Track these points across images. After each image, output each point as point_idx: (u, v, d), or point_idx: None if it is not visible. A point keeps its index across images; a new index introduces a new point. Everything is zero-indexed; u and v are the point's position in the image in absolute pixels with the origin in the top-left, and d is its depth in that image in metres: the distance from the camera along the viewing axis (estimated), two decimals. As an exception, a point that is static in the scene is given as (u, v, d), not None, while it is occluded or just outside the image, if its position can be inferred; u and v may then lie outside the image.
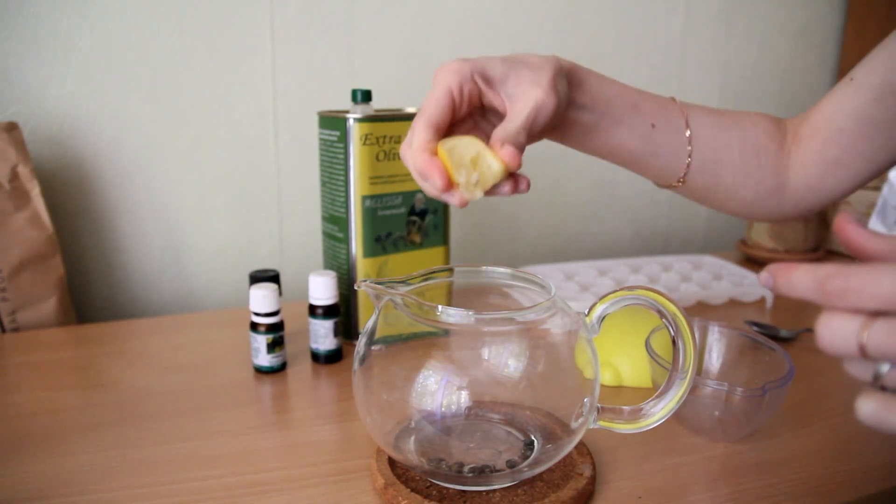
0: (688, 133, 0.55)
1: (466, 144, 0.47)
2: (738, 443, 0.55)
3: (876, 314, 0.31)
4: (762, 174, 0.58)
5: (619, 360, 0.65)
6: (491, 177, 0.47)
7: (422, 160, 0.46)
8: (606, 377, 0.65)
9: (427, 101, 0.48)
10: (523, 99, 0.48)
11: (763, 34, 1.21)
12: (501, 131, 0.47)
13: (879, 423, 0.33)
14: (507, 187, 0.47)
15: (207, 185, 0.92)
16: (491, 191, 0.47)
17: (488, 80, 0.48)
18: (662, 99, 0.56)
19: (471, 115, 0.51)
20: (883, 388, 0.32)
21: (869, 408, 0.33)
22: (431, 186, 0.46)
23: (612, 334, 0.65)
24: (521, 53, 0.50)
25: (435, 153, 0.46)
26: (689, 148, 0.56)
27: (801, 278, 0.34)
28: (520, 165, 0.46)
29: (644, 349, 0.57)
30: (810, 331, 0.78)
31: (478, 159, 0.47)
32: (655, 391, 0.48)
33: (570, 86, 0.51)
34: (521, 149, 0.46)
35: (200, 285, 0.94)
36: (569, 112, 0.52)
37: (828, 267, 0.32)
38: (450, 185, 0.46)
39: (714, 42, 1.17)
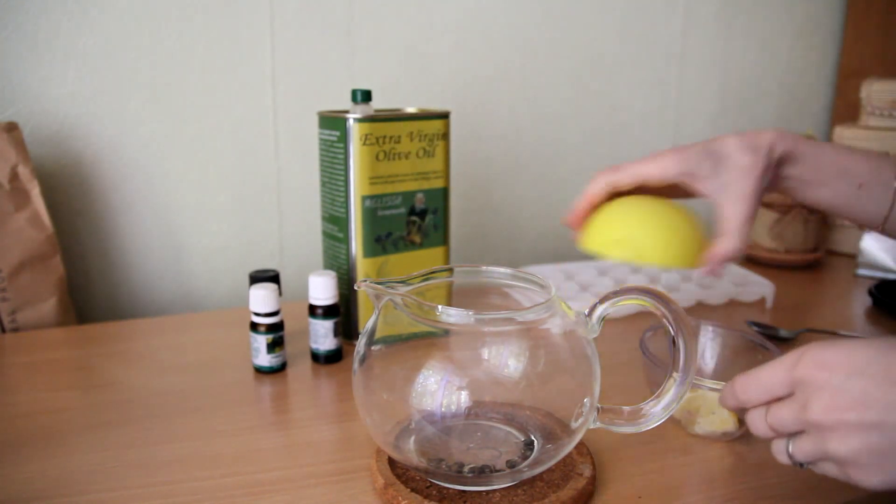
0: (895, 185, 0.56)
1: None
2: (738, 443, 0.55)
3: (775, 401, 0.41)
4: None
5: (638, 231, 0.53)
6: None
7: (582, 201, 0.55)
8: (618, 252, 0.53)
9: (624, 165, 0.55)
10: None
11: (763, 34, 1.21)
12: None
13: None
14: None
15: (207, 185, 0.92)
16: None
17: (692, 177, 0.54)
18: (876, 157, 0.57)
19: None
20: (801, 466, 0.41)
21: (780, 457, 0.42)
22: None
23: (626, 208, 0.55)
24: (729, 144, 0.53)
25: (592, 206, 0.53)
26: (893, 197, 0.56)
27: (725, 393, 0.44)
28: None
29: (671, 225, 0.54)
30: (810, 331, 0.78)
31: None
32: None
33: (779, 163, 0.54)
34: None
35: (200, 285, 0.94)
36: (772, 180, 0.56)
37: (739, 377, 0.43)
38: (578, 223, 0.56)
39: (714, 42, 1.17)
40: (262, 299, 0.65)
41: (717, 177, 0.53)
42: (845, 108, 1.26)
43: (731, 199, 0.53)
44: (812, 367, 0.38)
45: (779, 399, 0.40)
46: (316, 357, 0.69)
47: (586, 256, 1.16)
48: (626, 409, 0.48)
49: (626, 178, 0.54)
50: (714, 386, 0.52)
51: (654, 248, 0.51)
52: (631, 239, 0.52)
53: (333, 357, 0.69)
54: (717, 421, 0.54)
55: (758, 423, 0.42)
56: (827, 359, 0.38)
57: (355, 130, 0.67)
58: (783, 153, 0.54)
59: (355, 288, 0.65)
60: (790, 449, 0.40)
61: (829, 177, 0.56)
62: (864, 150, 0.58)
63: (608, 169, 0.55)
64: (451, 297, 0.54)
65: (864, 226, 0.61)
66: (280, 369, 0.67)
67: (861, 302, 0.91)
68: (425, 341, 0.46)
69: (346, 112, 0.68)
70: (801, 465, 0.41)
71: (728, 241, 0.52)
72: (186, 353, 0.72)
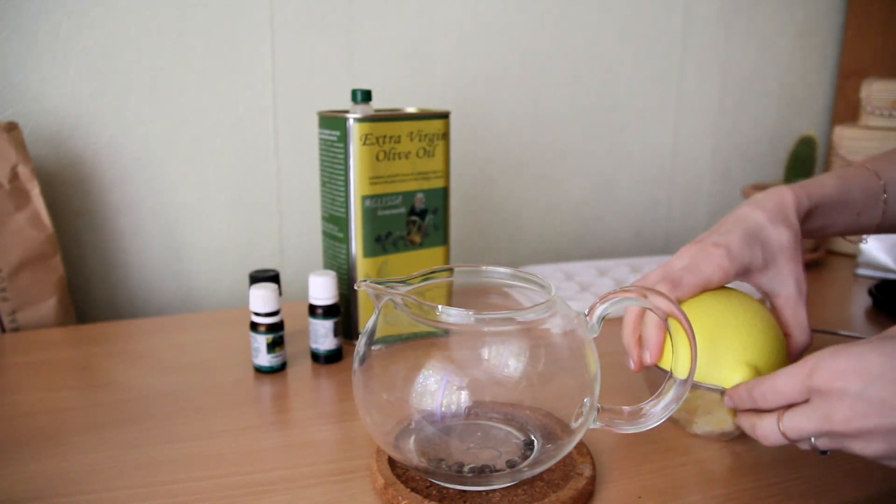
0: (884, 196, 0.58)
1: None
2: (738, 443, 0.55)
3: (789, 406, 0.41)
4: None
5: (757, 356, 0.51)
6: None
7: (655, 336, 0.50)
8: (738, 378, 0.50)
9: (683, 276, 0.51)
10: (791, 307, 0.54)
11: (763, 34, 1.21)
12: (796, 344, 0.54)
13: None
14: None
15: (207, 185, 0.92)
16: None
17: (748, 272, 0.53)
18: (865, 175, 0.58)
19: None
20: (823, 453, 0.42)
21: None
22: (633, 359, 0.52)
23: (734, 329, 0.52)
24: (762, 221, 0.53)
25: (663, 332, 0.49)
26: (884, 206, 0.58)
27: (739, 390, 0.45)
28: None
29: (768, 336, 0.51)
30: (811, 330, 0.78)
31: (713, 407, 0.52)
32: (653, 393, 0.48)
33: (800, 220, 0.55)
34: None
35: (200, 285, 0.94)
36: None
37: (755, 380, 0.44)
38: (641, 364, 0.52)
39: (714, 42, 1.17)
40: (262, 299, 0.65)
41: (769, 266, 0.53)
42: (845, 108, 1.26)
43: (787, 289, 0.53)
44: (828, 377, 0.39)
45: (791, 406, 0.41)
46: (316, 357, 0.69)
47: (586, 256, 1.17)
48: (626, 409, 0.48)
49: (691, 291, 0.52)
50: (711, 385, 0.52)
51: (769, 363, 0.50)
52: (752, 363, 0.50)
53: (333, 357, 0.69)
54: (715, 420, 0.54)
55: (769, 430, 0.42)
56: (840, 368, 0.38)
57: (355, 130, 0.67)
58: (808, 210, 0.55)
59: (355, 288, 0.65)
60: (812, 441, 0.41)
61: (834, 216, 0.57)
62: (855, 172, 0.58)
63: (666, 283, 0.51)
64: (451, 297, 0.54)
65: (855, 236, 0.63)
66: (280, 369, 0.67)
67: (861, 302, 0.91)
68: (425, 341, 0.46)
69: (346, 112, 0.68)
70: (824, 452, 0.41)
71: (800, 336, 0.54)
72: (186, 353, 0.72)
